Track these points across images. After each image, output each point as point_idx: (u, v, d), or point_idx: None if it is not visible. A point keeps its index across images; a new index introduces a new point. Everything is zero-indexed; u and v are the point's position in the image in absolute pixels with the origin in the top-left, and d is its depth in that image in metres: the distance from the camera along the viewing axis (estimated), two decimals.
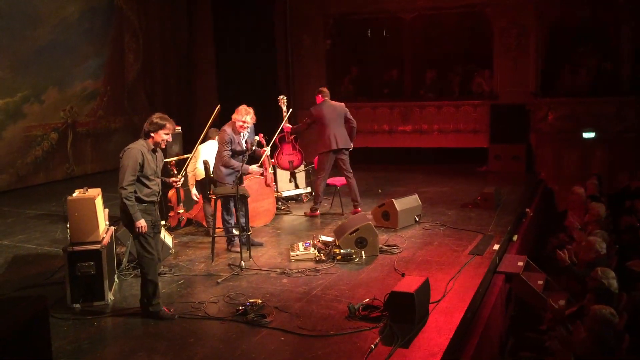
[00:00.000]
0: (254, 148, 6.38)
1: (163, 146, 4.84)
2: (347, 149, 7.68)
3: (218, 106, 5.60)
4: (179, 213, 5.04)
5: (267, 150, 6.61)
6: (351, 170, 7.76)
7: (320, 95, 7.76)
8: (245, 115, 6.24)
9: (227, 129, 6.29)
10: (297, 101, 13.10)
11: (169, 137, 4.80)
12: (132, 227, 4.67)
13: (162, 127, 4.72)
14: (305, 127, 8.05)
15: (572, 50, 11.84)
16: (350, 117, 7.71)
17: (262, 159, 6.69)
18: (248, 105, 6.39)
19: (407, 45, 13.01)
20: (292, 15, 13.03)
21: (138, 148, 4.66)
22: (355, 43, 13.86)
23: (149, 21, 12.79)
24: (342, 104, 7.81)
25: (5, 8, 9.59)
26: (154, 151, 4.77)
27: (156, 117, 4.75)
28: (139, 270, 4.89)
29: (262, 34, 13.24)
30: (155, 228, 4.84)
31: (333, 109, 7.65)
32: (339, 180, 8.05)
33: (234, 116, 6.29)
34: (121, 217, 4.77)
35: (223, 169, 6.26)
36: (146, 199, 4.71)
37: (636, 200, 8.21)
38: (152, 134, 4.72)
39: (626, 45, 11.64)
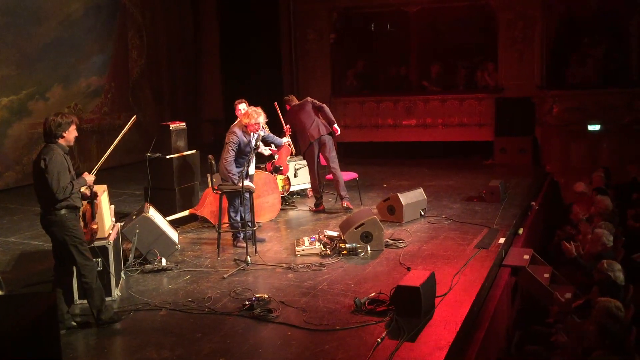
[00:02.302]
0: (259, 144, 6.41)
1: (73, 142, 4.53)
2: (328, 134, 7.71)
3: (134, 117, 5.54)
4: (92, 228, 4.84)
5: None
6: (335, 160, 7.76)
7: (287, 105, 7.95)
8: (257, 117, 6.24)
9: (238, 131, 6.26)
10: (302, 96, 13.07)
11: (75, 132, 4.53)
12: (68, 238, 4.43)
13: (71, 123, 4.42)
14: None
15: (579, 42, 11.76)
16: (318, 103, 7.78)
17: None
18: (251, 103, 6.40)
19: (412, 39, 12.96)
20: (297, 10, 13.00)
21: (60, 154, 4.35)
22: (360, 37, 13.82)
23: (154, 17, 12.79)
24: (306, 98, 7.88)
25: (10, 5, 9.60)
26: (67, 153, 4.47)
27: (59, 117, 4.40)
28: (83, 283, 4.51)
29: (267, 28, 13.22)
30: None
31: (300, 109, 7.76)
32: (344, 175, 8.03)
33: (244, 121, 6.27)
34: (56, 231, 4.44)
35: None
36: (77, 204, 4.51)
37: None
38: (64, 134, 4.40)
39: (635, 36, 11.55)
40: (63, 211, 4.41)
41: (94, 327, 4.58)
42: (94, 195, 4.74)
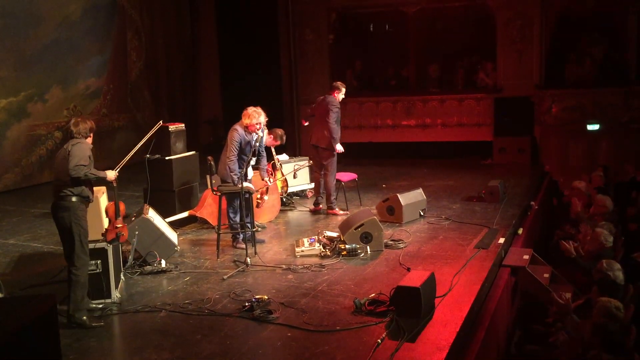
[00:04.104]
0: (259, 145, 6.40)
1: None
2: (322, 147, 7.50)
3: (160, 122, 5.74)
4: (117, 227, 4.89)
5: (269, 183, 6.86)
6: (327, 170, 7.58)
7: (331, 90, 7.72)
8: (258, 117, 6.24)
9: (239, 128, 6.28)
10: (300, 96, 13.11)
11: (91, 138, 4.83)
12: (75, 226, 4.53)
13: (93, 129, 4.74)
14: (309, 115, 8.05)
15: (577, 40, 11.78)
16: (329, 116, 7.38)
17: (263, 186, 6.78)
18: (252, 104, 6.38)
19: (410, 39, 12.98)
20: (295, 10, 13.00)
21: (89, 146, 4.66)
22: (358, 37, 13.82)
23: (152, 19, 12.78)
24: (332, 100, 7.49)
25: (8, 7, 9.59)
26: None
27: (88, 122, 4.71)
28: (71, 274, 4.56)
29: (266, 29, 13.22)
30: None
31: (321, 105, 7.63)
32: (344, 176, 8.03)
33: (245, 121, 6.27)
34: (65, 216, 4.54)
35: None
36: (89, 195, 4.66)
37: None
38: (90, 135, 4.73)
39: (633, 35, 11.57)
40: (74, 199, 4.57)
41: (93, 328, 4.56)
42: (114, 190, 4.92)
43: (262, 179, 6.75)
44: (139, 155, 7.26)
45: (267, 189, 6.96)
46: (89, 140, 4.74)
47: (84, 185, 4.63)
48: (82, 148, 4.59)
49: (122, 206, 5.08)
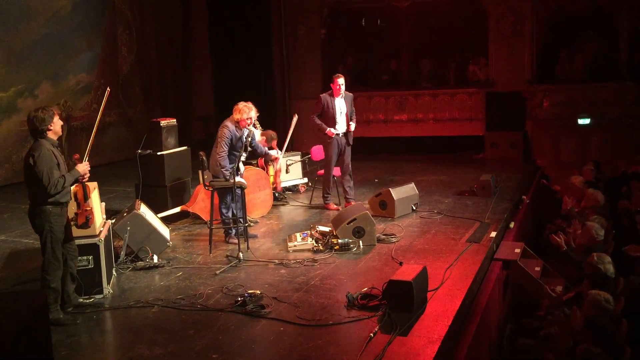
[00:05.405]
0: (250, 139, 6.38)
1: (61, 132, 4.58)
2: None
3: (108, 89, 5.64)
4: (86, 210, 4.86)
5: (279, 156, 7.14)
6: (325, 164, 7.83)
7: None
8: (249, 112, 6.25)
9: (230, 124, 6.27)
10: (293, 91, 13.09)
11: (60, 122, 4.57)
12: (46, 231, 4.47)
13: (53, 115, 4.46)
14: None
15: (569, 37, 11.83)
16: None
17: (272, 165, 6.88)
18: (244, 100, 6.37)
19: (402, 34, 12.98)
20: (287, 5, 12.98)
21: (48, 149, 4.39)
22: (350, 33, 13.81)
23: (143, 13, 12.71)
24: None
25: None
26: (57, 146, 4.54)
27: (40, 112, 4.44)
28: (42, 279, 4.54)
29: (258, 24, 13.18)
30: (67, 229, 4.66)
31: None
32: (336, 170, 8.02)
33: (236, 116, 6.27)
34: (37, 222, 4.51)
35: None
36: (62, 200, 4.52)
37: (632, 182, 8.24)
38: (50, 127, 4.45)
39: (623, 31, 11.64)
40: (48, 206, 4.47)
41: (85, 324, 4.55)
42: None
43: (268, 156, 7.00)
44: (132, 151, 7.24)
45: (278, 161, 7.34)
46: (52, 131, 4.47)
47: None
48: (43, 156, 4.35)
49: (89, 187, 4.98)
